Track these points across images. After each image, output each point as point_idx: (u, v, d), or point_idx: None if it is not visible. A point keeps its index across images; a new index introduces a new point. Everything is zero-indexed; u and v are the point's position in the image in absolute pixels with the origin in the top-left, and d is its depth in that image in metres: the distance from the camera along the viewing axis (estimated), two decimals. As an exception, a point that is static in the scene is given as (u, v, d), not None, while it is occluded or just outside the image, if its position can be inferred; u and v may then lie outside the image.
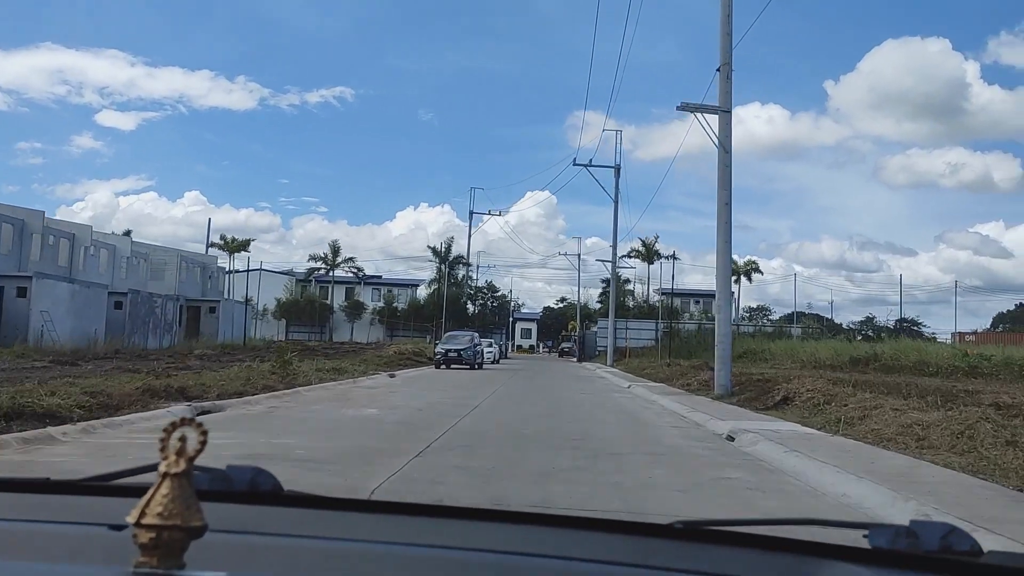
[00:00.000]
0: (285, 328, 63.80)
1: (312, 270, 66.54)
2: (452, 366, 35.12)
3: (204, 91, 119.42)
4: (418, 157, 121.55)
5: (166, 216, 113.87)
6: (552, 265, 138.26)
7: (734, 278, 66.66)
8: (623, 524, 1.23)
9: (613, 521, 1.24)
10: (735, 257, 67.09)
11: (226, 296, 58.19)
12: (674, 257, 62.69)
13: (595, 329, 65.43)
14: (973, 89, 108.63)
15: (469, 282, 66.32)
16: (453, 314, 63.79)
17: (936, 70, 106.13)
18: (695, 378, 25.28)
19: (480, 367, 37.33)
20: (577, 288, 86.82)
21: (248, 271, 62.08)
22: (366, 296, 67.61)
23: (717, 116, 19.50)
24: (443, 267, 65.43)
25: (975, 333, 67.96)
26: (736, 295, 69.87)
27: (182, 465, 0.74)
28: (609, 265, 51.54)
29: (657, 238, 64.79)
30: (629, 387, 25.39)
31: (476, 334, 38.50)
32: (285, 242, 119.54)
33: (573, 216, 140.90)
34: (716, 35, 19.30)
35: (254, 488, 1.25)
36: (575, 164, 49.96)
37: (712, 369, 31.13)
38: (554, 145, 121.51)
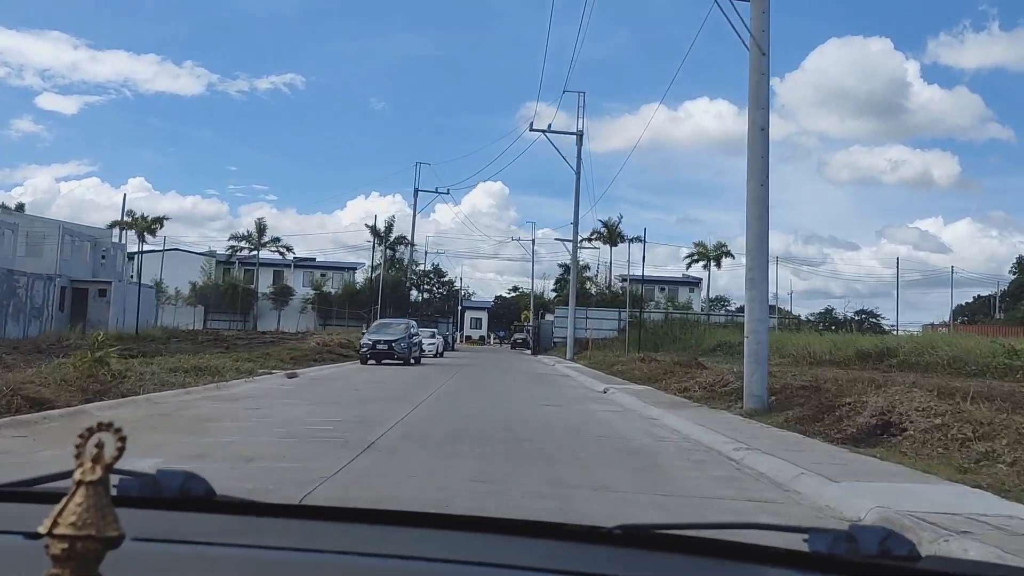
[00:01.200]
0: (203, 316, 56.53)
1: (233, 250, 59.53)
2: (383, 361, 28.61)
3: (150, 75, 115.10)
4: (369, 146, 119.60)
5: (109, 203, 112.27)
6: (504, 255, 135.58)
7: (702, 263, 61.01)
8: (564, 529, 1.21)
9: (554, 525, 1.22)
10: (703, 240, 61.45)
11: (132, 279, 50.68)
12: (640, 239, 56.96)
13: (551, 319, 59.30)
14: (913, 88, 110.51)
15: (413, 266, 59.55)
16: (394, 301, 57.05)
17: (878, 69, 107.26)
18: (693, 380, 19.16)
19: (417, 362, 30.87)
20: (531, 272, 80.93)
21: (162, 251, 54.67)
22: (297, 280, 60.55)
23: (750, 3, 13.31)
24: (383, 248, 58.75)
25: (945, 325, 63.69)
26: (705, 283, 64.38)
27: (98, 472, 0.70)
28: (567, 250, 45.37)
29: (621, 218, 59.15)
30: (605, 391, 19.19)
31: (413, 323, 31.99)
32: (232, 229, 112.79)
33: (525, 207, 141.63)
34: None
35: (185, 494, 1.22)
36: (532, 130, 43.73)
37: (705, 368, 25.31)
38: (507, 136, 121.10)
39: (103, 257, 42.23)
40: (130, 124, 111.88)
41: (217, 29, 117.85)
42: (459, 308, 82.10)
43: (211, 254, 58.99)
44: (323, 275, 60.66)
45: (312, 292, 58.15)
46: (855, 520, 5.61)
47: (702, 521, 1.45)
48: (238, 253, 58.07)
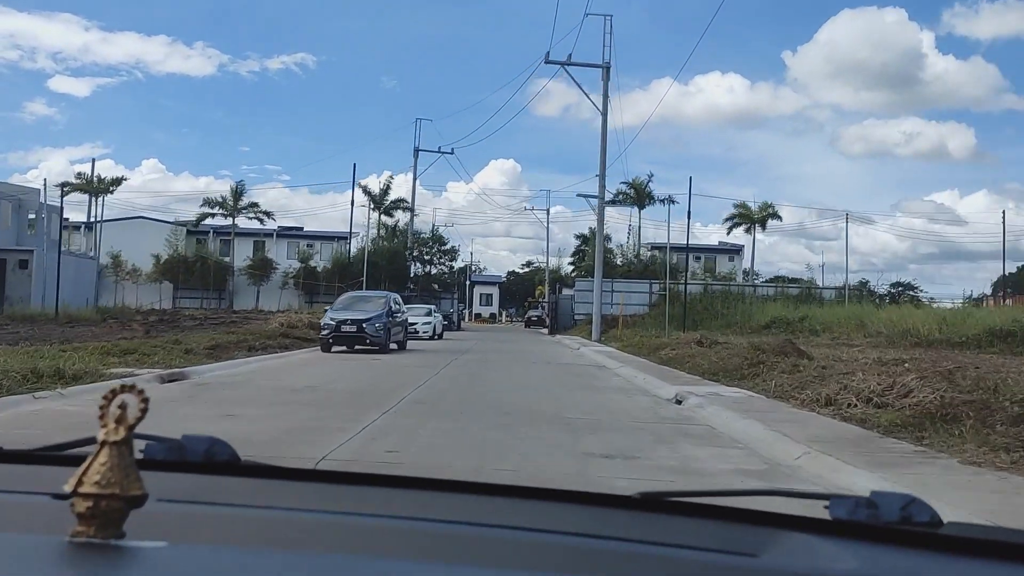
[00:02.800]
0: (172, 294, 49.35)
1: (203, 216, 52.00)
2: (355, 347, 21.21)
3: (161, 57, 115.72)
4: (381, 124, 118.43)
5: (123, 184, 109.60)
6: (517, 233, 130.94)
7: (744, 227, 53.16)
8: (581, 495, 1.22)
9: (571, 492, 1.22)
10: (746, 202, 53.50)
11: (78, 250, 43.55)
12: (673, 200, 49.37)
13: (571, 293, 51.69)
14: (928, 59, 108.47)
15: (413, 235, 51.92)
16: (391, 274, 49.59)
17: (892, 40, 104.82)
18: (824, 382, 11.64)
19: (401, 347, 23.46)
20: (546, 240, 73.29)
21: (117, 220, 47.49)
22: (280, 252, 53.08)
23: None
24: (378, 213, 51.30)
25: (986, 297, 55.93)
26: (748, 250, 56.44)
27: (121, 433, 0.72)
28: (591, 207, 37.72)
29: (651, 176, 51.28)
30: (681, 402, 11.69)
31: (395, 296, 24.38)
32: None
33: (538, 184, 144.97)
34: None
35: (209, 458, 1.24)
36: (548, 62, 35.90)
37: (809, 357, 17.66)
38: (516, 109, 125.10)
39: (30, 221, 34.85)
40: (142, 106, 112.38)
41: (227, 9, 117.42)
42: (467, 282, 74.69)
43: (180, 223, 51.50)
44: (309, 245, 53.18)
45: (298, 265, 50.65)
46: None
47: (725, 488, 1.38)
48: (208, 220, 50.76)
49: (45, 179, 44.29)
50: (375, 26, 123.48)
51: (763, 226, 52.88)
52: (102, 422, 0.74)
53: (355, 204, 48.65)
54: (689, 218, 33.91)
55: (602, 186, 36.26)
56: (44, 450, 1.32)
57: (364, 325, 21.03)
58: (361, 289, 35.89)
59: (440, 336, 34.94)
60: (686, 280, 37.48)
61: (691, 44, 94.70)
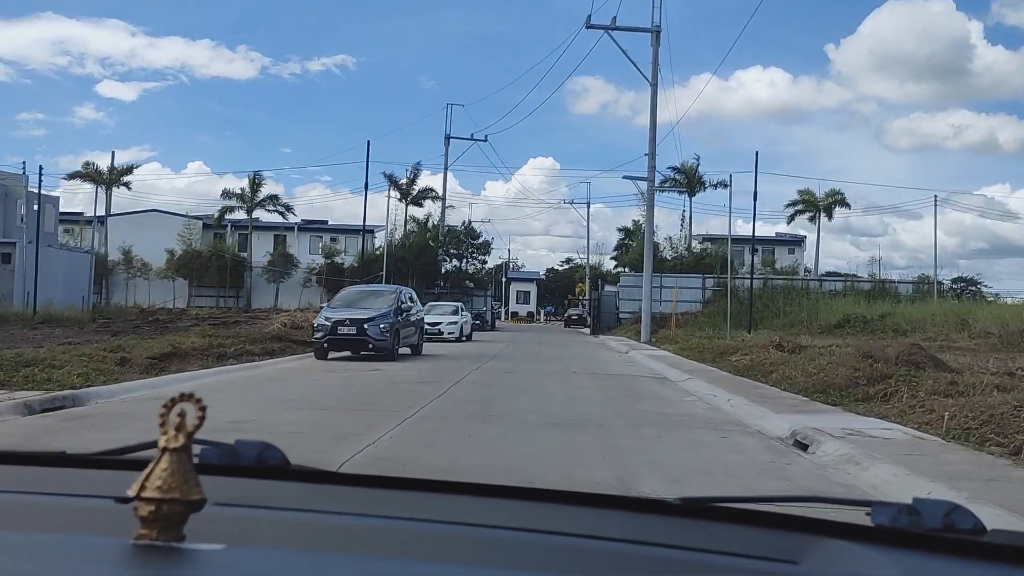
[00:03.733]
0: (187, 290, 46.07)
1: (224, 211, 48.71)
2: (360, 352, 17.28)
3: (205, 60, 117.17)
4: (420, 125, 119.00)
5: (170, 186, 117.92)
6: (555, 232, 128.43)
7: (809, 215, 48.20)
8: (620, 500, 1.22)
9: (610, 496, 1.23)
10: (808, 188, 48.54)
11: (77, 245, 40.35)
12: (726, 184, 44.66)
13: (615, 289, 47.30)
14: (977, 50, 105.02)
15: (443, 228, 47.91)
16: (419, 269, 45.70)
17: (939, 31, 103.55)
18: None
19: (416, 352, 19.50)
20: (587, 235, 68.90)
21: (125, 213, 44.35)
22: (303, 247, 49.56)
23: None
24: (404, 203, 47.39)
25: None
26: (813, 241, 51.34)
27: (181, 440, 0.75)
28: (639, 191, 33.44)
29: (699, 159, 46.46)
30: (806, 447, 7.37)
31: (407, 291, 20.20)
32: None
33: (577, 181, 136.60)
34: None
35: (261, 463, 1.26)
36: (590, 27, 31.64)
37: (953, 370, 13.11)
38: (554, 109, 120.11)
39: (22, 212, 31.61)
40: (187, 109, 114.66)
41: (269, 12, 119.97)
42: (503, 280, 70.71)
43: (195, 216, 48.11)
44: (334, 240, 49.50)
45: (322, 261, 46.93)
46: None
47: (766, 495, 1.27)
48: (229, 215, 47.32)
49: (24, 162, 41.18)
50: (413, 27, 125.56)
51: (829, 214, 47.89)
52: (162, 429, 0.76)
53: (388, 198, 45.08)
54: (755, 200, 29.17)
55: (652, 167, 31.89)
56: (105, 454, 1.36)
57: (366, 326, 17.01)
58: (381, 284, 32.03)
59: (468, 337, 30.92)
60: (752, 274, 33.07)
61: (731, 39, 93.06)
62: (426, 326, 28.47)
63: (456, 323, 28.99)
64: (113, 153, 77.04)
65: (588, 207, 71.41)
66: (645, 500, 1.23)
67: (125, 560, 0.74)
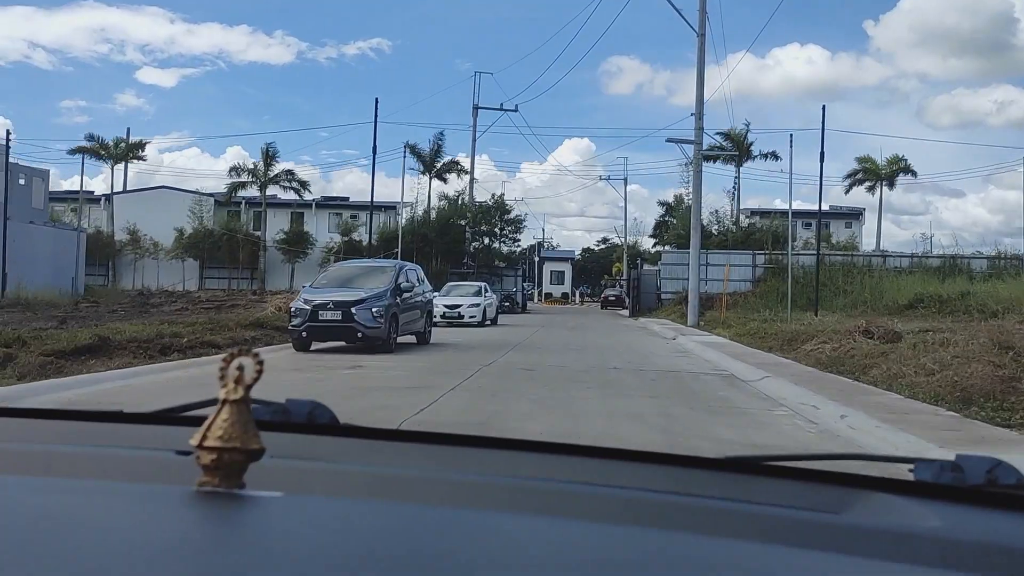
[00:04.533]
0: (198, 271, 43.33)
1: (234, 187, 45.30)
2: (351, 342, 14.04)
3: (243, 46, 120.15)
4: (456, 107, 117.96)
5: (210, 171, 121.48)
6: (591, 213, 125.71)
7: (868, 184, 43.91)
8: (667, 456, 1.25)
9: (657, 454, 1.25)
10: (868, 155, 44.17)
11: (72, 223, 37.61)
12: (777, 156, 40.67)
13: (656, 268, 43.62)
14: (1021, 24, 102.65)
15: (471, 203, 44.42)
16: (443, 248, 42.43)
17: (981, 5, 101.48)
18: None
19: (423, 340, 16.29)
20: (623, 206, 64.97)
21: (131, 190, 41.36)
22: (321, 225, 46.51)
23: None
24: (428, 177, 44.13)
25: None
26: (878, 209, 46.92)
27: (240, 392, 0.78)
28: (684, 154, 29.73)
29: (748, 125, 42.44)
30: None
31: (409, 267, 16.67)
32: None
33: (612, 163, 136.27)
34: None
35: (311, 420, 1.31)
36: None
37: None
38: (589, 92, 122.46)
39: (19, 184, 28.67)
40: (225, 94, 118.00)
41: None
42: (536, 259, 67.22)
43: (206, 193, 45.15)
44: (354, 216, 46.34)
45: (339, 239, 43.77)
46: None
47: (808, 453, 1.37)
48: (240, 191, 44.37)
49: (8, 130, 38.48)
50: (448, 9, 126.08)
51: (891, 183, 43.48)
52: (222, 383, 0.78)
53: (404, 167, 41.82)
54: (822, 160, 25.02)
55: (699, 127, 28.12)
56: (162, 412, 1.41)
57: (354, 311, 13.72)
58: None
59: (493, 322, 27.61)
60: (818, 248, 29.11)
61: (766, 16, 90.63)
62: (444, 309, 25.28)
63: (478, 306, 25.67)
64: (128, 130, 74.50)
65: (625, 183, 67.62)
66: (692, 457, 1.24)
67: (190, 505, 0.77)
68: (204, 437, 0.77)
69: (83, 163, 43.38)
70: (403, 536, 0.75)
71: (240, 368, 0.79)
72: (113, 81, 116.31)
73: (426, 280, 17.57)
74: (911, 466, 1.14)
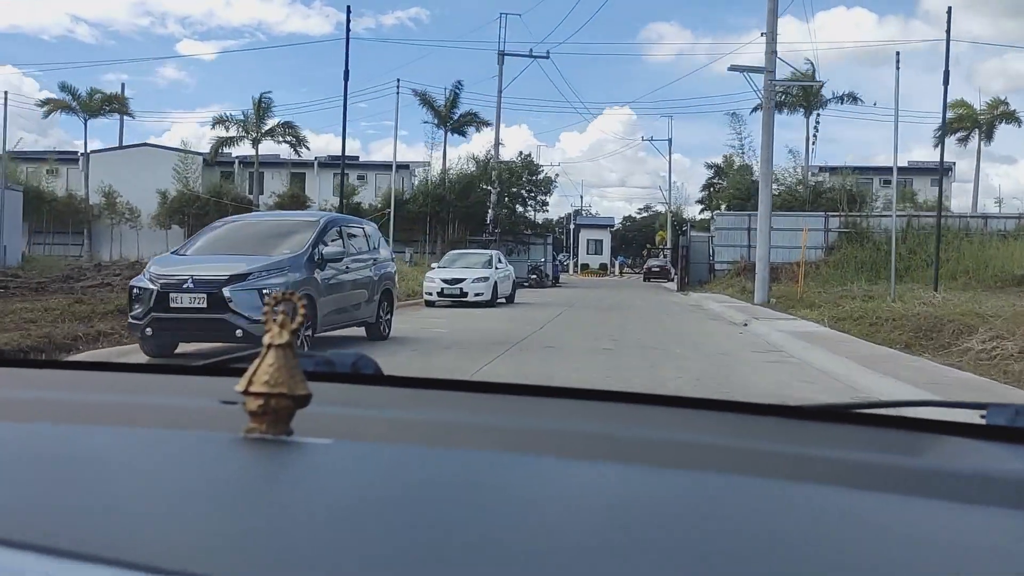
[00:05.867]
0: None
1: (220, 142, 39.26)
2: (235, 342, 8.28)
3: (282, 18, 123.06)
4: (494, 77, 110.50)
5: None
6: (632, 183, 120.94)
7: (960, 135, 37.02)
8: (733, 404, 1.24)
9: (724, 401, 1.24)
10: (963, 99, 37.20)
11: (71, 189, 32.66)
12: (856, 98, 34.11)
13: (707, 235, 37.48)
14: None
15: (495, 163, 38.38)
16: (463, 213, 36.78)
17: None
18: None
19: (376, 334, 10.61)
20: (668, 165, 58.37)
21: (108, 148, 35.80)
22: (324, 187, 41.02)
23: None
24: (444, 130, 38.29)
25: None
26: (975, 163, 39.94)
27: (285, 336, 0.76)
28: (752, 86, 23.51)
29: (815, 68, 35.78)
30: None
31: (345, 224, 10.55)
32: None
33: (654, 131, 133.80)
34: None
35: (356, 370, 1.32)
36: None
37: None
38: (629, 61, 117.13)
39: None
40: (264, 66, 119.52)
41: None
42: (572, 227, 61.27)
43: (194, 152, 39.72)
44: (361, 177, 40.77)
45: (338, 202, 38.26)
46: None
47: (877, 400, 1.33)
48: (230, 148, 39.04)
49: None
50: None
51: (989, 135, 36.55)
52: (267, 327, 0.77)
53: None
54: (947, 79, 18.49)
55: (772, 50, 21.87)
56: (204, 363, 1.41)
57: (228, 293, 8.10)
58: (430, 237, 23.32)
59: (509, 299, 21.99)
60: (940, 198, 22.92)
61: None
62: (443, 285, 19.68)
63: (487, 280, 19.97)
64: (123, 85, 70.05)
65: (670, 144, 60.81)
66: (763, 405, 1.23)
67: (239, 451, 0.76)
68: (250, 382, 0.76)
69: (123, 126, 38.07)
70: (453, 479, 0.75)
71: (285, 312, 0.78)
72: (154, 54, 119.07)
73: (384, 243, 11.90)
74: (983, 412, 1.13)
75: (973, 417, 1.14)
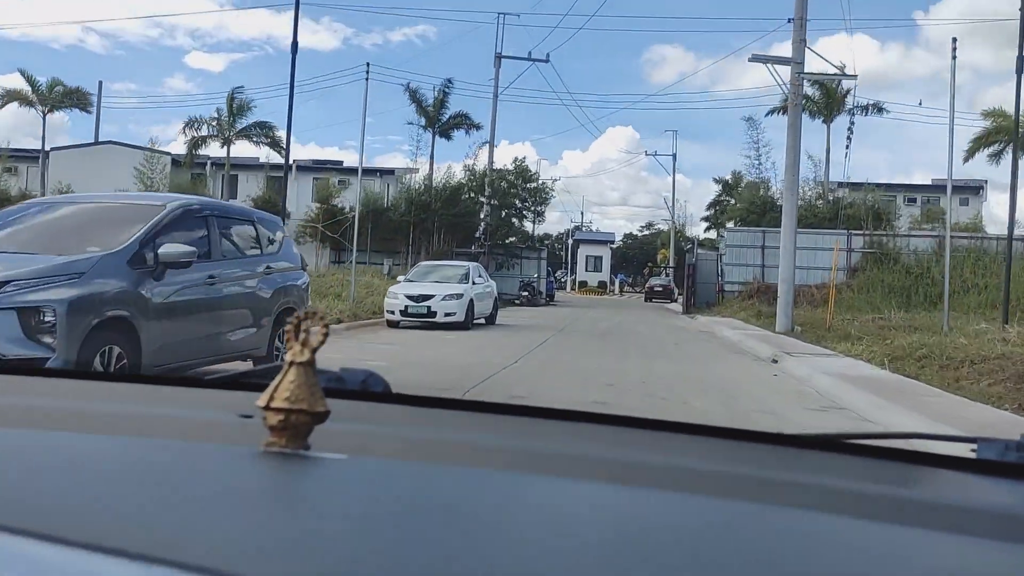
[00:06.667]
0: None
1: (194, 143, 35.36)
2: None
3: (290, 32, 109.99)
4: (503, 93, 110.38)
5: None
6: (634, 202, 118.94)
7: (993, 150, 33.77)
8: (729, 431, 1.25)
9: (726, 428, 1.25)
10: (1001, 107, 33.97)
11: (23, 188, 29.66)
12: (881, 108, 31.20)
13: (715, 252, 34.27)
14: None
15: (487, 171, 35.05)
16: (449, 223, 33.60)
17: None
18: None
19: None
20: (672, 180, 55.10)
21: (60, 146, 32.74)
22: (303, 192, 37.87)
23: None
24: (431, 132, 35.21)
25: None
26: (1011, 179, 36.62)
27: (307, 355, 0.78)
28: (773, 75, 20.49)
29: (842, 69, 33.07)
30: None
31: (231, 214, 7.67)
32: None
33: (657, 147, 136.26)
34: None
35: (365, 388, 1.33)
36: None
37: None
38: (631, 80, 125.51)
39: None
40: (272, 79, 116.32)
41: None
42: (570, 242, 58.20)
43: (159, 151, 36.44)
44: (342, 182, 37.67)
45: (316, 207, 35.00)
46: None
47: (867, 431, 1.36)
48: (202, 148, 35.91)
49: None
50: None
51: (1027, 149, 33.38)
52: (289, 345, 0.79)
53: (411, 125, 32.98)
54: (1021, 58, 15.27)
55: (801, 38, 18.73)
56: (223, 377, 1.42)
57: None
58: (413, 249, 20.25)
59: (490, 319, 18.82)
60: (1011, 226, 19.58)
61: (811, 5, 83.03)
62: (408, 302, 16.57)
63: (460, 297, 16.74)
64: (100, 83, 65.85)
65: (674, 159, 57.62)
66: (755, 432, 1.24)
67: (258, 464, 0.78)
68: (271, 398, 0.77)
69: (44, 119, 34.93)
70: (460, 498, 0.77)
71: (307, 331, 0.79)
72: (163, 66, 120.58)
73: (292, 247, 8.75)
74: (974, 445, 1.13)
75: (964, 451, 1.15)
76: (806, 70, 18.91)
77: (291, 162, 39.94)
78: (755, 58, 19.12)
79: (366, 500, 0.73)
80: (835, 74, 19.19)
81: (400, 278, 18.72)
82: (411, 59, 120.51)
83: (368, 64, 20.25)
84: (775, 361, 12.80)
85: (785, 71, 18.80)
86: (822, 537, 0.72)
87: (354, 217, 21.75)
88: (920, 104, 71.60)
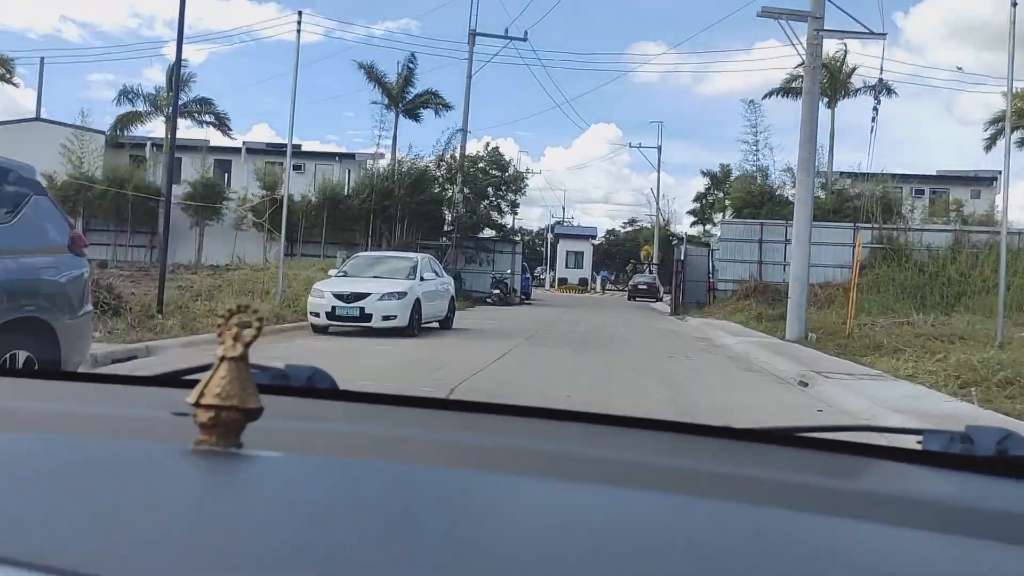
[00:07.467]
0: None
1: (124, 119, 31.96)
2: None
3: (273, 26, 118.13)
4: (483, 89, 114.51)
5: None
6: (616, 200, 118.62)
7: (1017, 138, 30.88)
8: (678, 425, 1.26)
9: (671, 422, 1.26)
10: None
11: None
12: (886, 88, 28.28)
13: (712, 248, 31.10)
14: None
15: (460, 158, 31.57)
16: (414, 211, 30.21)
17: None
18: None
19: None
20: (657, 166, 51.86)
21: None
22: (252, 176, 34.29)
23: None
24: (395, 112, 31.82)
25: None
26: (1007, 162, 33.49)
27: (239, 350, 0.76)
28: (788, 36, 17.55)
29: (846, 50, 29.81)
30: None
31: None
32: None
33: (637, 155, 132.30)
34: None
35: (311, 384, 1.31)
36: None
37: None
38: (614, 73, 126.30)
39: None
40: (252, 72, 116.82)
41: None
42: (549, 237, 55.03)
43: (92, 129, 32.72)
44: (297, 168, 34.17)
45: (261, 194, 31.38)
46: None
47: (816, 425, 1.28)
48: (137, 123, 32.33)
49: None
50: None
51: (1050, 135, 30.61)
52: (220, 339, 0.77)
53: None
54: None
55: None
56: (162, 375, 1.40)
57: None
58: (372, 237, 16.95)
59: (445, 323, 15.60)
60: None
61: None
62: (336, 303, 13.28)
63: (403, 297, 13.44)
64: (42, 59, 62.04)
65: (659, 151, 54.41)
66: (703, 426, 1.23)
67: (187, 463, 0.76)
68: (201, 395, 0.75)
69: None
70: (403, 495, 0.75)
71: (239, 325, 0.77)
72: (141, 57, 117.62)
73: (62, 222, 5.51)
74: (919, 437, 1.14)
75: (911, 443, 1.15)
76: (826, 27, 15.76)
77: (241, 144, 36.54)
78: (765, 12, 15.94)
79: (301, 499, 0.69)
80: (860, 32, 15.98)
81: (331, 272, 15.39)
82: (394, 51, 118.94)
83: (300, 12, 16.84)
84: (804, 384, 9.66)
85: (804, 26, 15.66)
86: (766, 531, 0.72)
87: (282, 199, 18.30)
88: (959, 70, 68.02)
